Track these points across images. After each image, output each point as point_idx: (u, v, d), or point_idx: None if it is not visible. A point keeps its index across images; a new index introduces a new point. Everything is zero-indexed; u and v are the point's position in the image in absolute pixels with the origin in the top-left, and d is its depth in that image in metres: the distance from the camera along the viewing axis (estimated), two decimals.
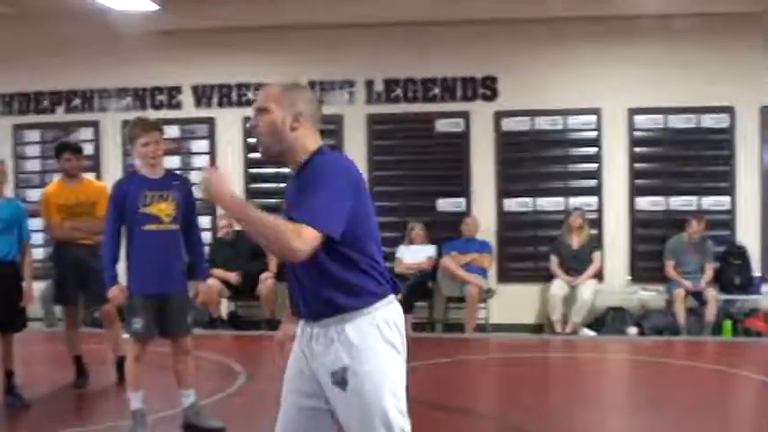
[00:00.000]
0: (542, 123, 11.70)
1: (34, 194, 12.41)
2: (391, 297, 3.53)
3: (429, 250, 11.42)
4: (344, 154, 3.74)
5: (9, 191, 11.71)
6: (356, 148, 11.90)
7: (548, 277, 11.33)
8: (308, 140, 3.60)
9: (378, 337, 3.45)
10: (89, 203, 7.90)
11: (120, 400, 7.38)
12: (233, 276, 11.14)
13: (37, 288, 10.86)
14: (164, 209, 6.08)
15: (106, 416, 7.00)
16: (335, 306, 3.45)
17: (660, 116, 11.45)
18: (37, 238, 11.97)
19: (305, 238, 3.26)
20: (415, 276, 11.19)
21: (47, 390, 7.93)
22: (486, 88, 11.81)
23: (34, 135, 12.78)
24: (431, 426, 6.30)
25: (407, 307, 11.05)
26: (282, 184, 11.60)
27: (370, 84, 12.04)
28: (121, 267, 6.27)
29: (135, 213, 6.03)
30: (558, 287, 11.04)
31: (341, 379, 3.43)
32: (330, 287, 3.45)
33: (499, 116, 11.77)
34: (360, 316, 3.45)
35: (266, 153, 3.65)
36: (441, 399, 7.07)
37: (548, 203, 11.65)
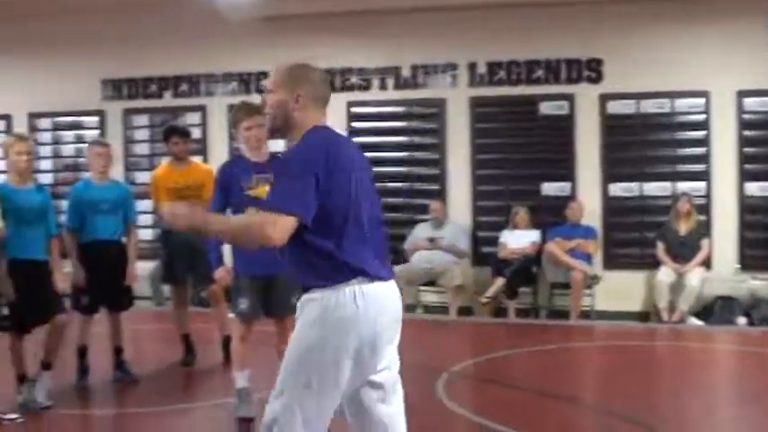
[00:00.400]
0: (649, 106, 11.45)
1: (143, 177, 12.73)
2: (347, 287, 3.53)
3: (533, 235, 11.32)
4: (338, 132, 3.78)
5: (119, 174, 12.07)
6: (459, 132, 11.87)
7: (654, 264, 11.11)
8: (308, 120, 3.70)
9: (325, 315, 3.52)
10: (197, 186, 8.03)
11: (226, 379, 7.52)
12: None
13: (146, 268, 11.18)
14: (268, 191, 6.10)
15: (212, 393, 7.13)
16: (302, 283, 3.64)
17: None
18: (145, 219, 12.32)
19: (283, 227, 3.41)
20: (518, 261, 11.11)
21: (155, 367, 8.14)
22: (591, 70, 11.63)
23: (143, 119, 13.09)
24: (535, 412, 6.27)
25: (511, 293, 11.00)
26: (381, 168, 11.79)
27: (472, 66, 11.96)
28: (228, 249, 6.35)
29: (240, 196, 6.09)
30: (665, 274, 10.83)
31: None
32: (294, 265, 3.64)
33: (605, 99, 11.56)
34: (309, 298, 3.59)
35: (271, 131, 3.86)
36: (545, 386, 7.01)
37: (654, 188, 11.41)
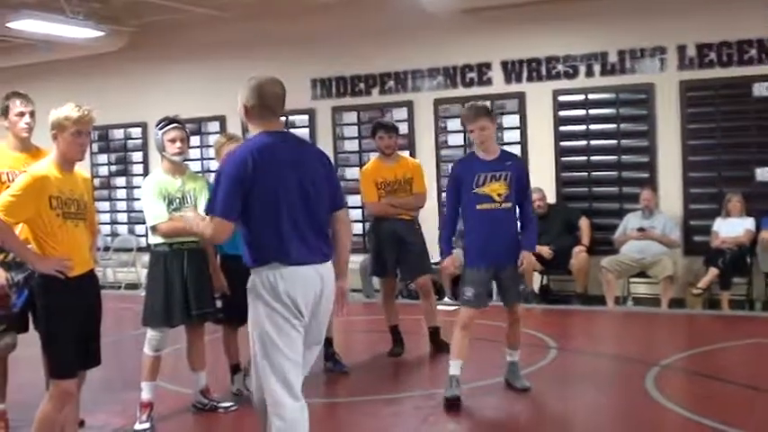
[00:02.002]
0: None
1: (352, 173, 13.10)
2: (275, 264, 4.36)
3: (747, 223, 10.92)
4: (259, 137, 4.63)
5: None
6: (668, 117, 11.59)
7: None
8: (255, 131, 4.66)
9: (254, 292, 4.41)
10: (405, 180, 8.21)
11: (433, 370, 7.72)
12: (545, 250, 11.11)
13: (356, 261, 11.49)
14: (496, 189, 6.43)
15: (419, 384, 7.28)
16: None
17: None
18: (356, 214, 12.66)
19: (214, 227, 4.41)
20: (732, 251, 10.76)
21: (365, 357, 8.37)
22: None
23: (351, 116, 13.45)
24: (749, 407, 6.11)
25: (725, 283, 10.67)
26: (590, 157, 11.69)
27: (682, 49, 11.62)
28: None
29: (470, 193, 6.44)
30: None
31: None
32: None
33: None
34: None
35: None
36: (759, 380, 6.77)
37: None
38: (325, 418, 6.40)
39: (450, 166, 9.29)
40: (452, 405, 6.31)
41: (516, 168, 6.59)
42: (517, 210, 6.62)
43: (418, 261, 8.25)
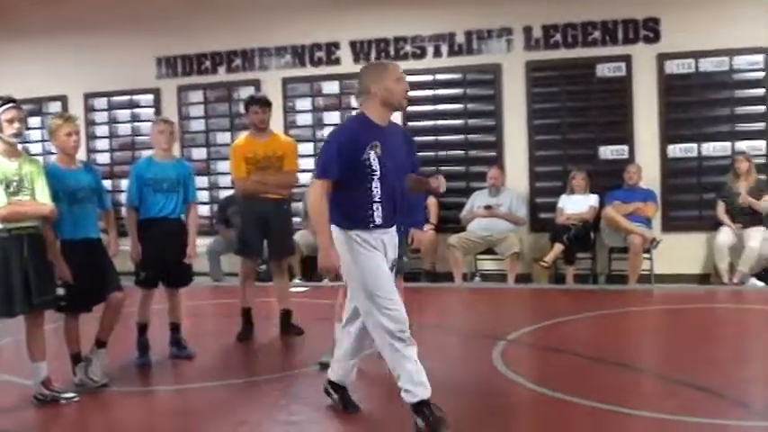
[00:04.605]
0: (707, 65, 11.25)
1: (199, 153, 12.90)
2: None
3: (591, 200, 11.23)
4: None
5: (175, 150, 12.19)
6: (515, 97, 11.78)
7: (714, 225, 10.97)
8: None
9: None
10: (276, 157, 8.04)
11: (283, 353, 7.64)
12: None
13: (204, 244, 11.29)
14: None
15: (271, 367, 7.14)
16: None
17: None
18: (203, 195, 12.48)
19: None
20: (576, 227, 11.03)
21: (213, 342, 8.23)
22: (648, 30, 11.44)
23: (197, 96, 13.19)
24: (593, 379, 6.24)
25: (570, 258, 10.95)
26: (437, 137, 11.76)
27: (528, 30, 11.84)
28: None
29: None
30: (725, 235, 10.69)
31: None
32: None
33: (662, 59, 11.38)
34: None
35: None
36: (604, 352, 6.95)
37: (713, 148, 11.25)
38: (172, 405, 6.26)
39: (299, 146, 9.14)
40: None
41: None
42: None
43: (283, 242, 8.14)
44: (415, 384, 4.89)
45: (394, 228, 5.18)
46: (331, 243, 4.98)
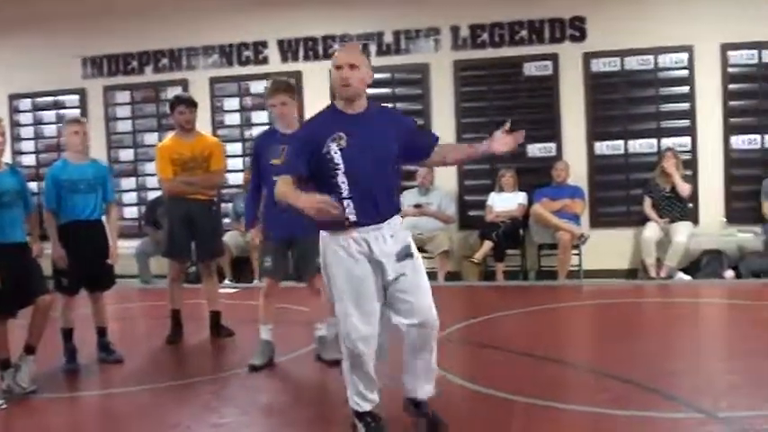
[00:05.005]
0: (632, 63, 11.44)
1: (126, 155, 12.73)
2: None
3: (520, 197, 11.32)
4: None
5: (102, 152, 12.04)
6: (443, 96, 11.84)
7: (641, 221, 11.15)
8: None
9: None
10: (203, 158, 7.96)
11: (213, 356, 7.57)
12: None
13: (132, 246, 11.17)
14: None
15: (201, 369, 7.07)
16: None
17: (754, 51, 11.07)
18: (130, 197, 12.33)
19: None
20: (506, 224, 11.11)
21: (142, 345, 8.12)
22: (574, 29, 11.59)
23: (124, 96, 13.02)
24: (525, 374, 6.28)
25: (499, 255, 11.02)
26: None
27: (455, 30, 11.91)
28: None
29: (268, 165, 6.52)
30: (652, 231, 10.86)
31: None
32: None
33: (588, 57, 11.54)
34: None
35: (352, 100, 4.73)
36: (534, 347, 7.00)
37: (640, 145, 11.42)
38: (101, 410, 6.16)
39: (227, 146, 9.10)
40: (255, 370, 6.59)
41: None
42: None
43: (212, 243, 8.07)
44: (359, 395, 4.78)
45: (390, 221, 4.72)
46: (300, 195, 4.50)
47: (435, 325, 4.74)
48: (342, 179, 4.62)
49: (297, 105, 6.91)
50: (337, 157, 4.60)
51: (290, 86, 6.86)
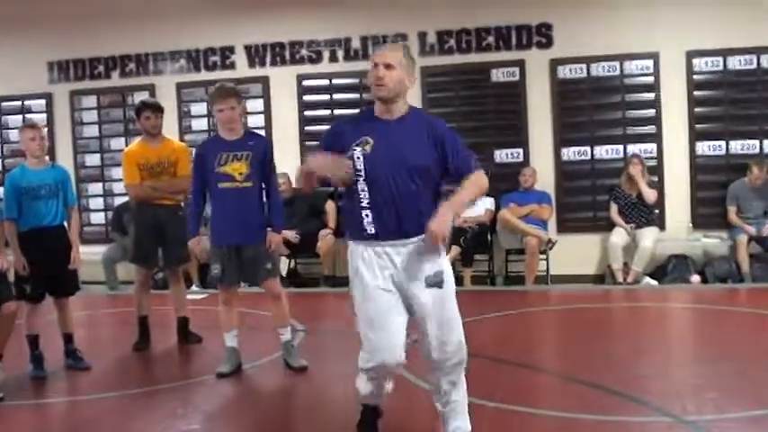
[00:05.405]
0: (599, 70, 11.50)
1: (93, 159, 12.64)
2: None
3: (487, 202, 11.33)
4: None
5: (68, 157, 11.95)
6: (411, 102, 11.76)
7: (607, 227, 11.22)
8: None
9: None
10: (169, 163, 7.94)
11: (181, 362, 7.54)
12: (291, 234, 11.05)
13: (99, 252, 11.09)
14: (237, 168, 6.59)
15: (168, 376, 7.02)
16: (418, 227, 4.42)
17: (719, 58, 11.17)
18: (97, 203, 12.24)
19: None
20: (473, 229, 11.13)
21: (109, 352, 8.03)
22: (541, 36, 11.64)
23: (91, 101, 12.93)
24: (493, 379, 6.28)
25: (467, 261, 11.04)
26: None
27: (422, 36, 11.92)
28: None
29: (212, 172, 6.58)
30: (618, 236, 10.93)
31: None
32: (421, 211, 4.46)
33: (555, 64, 11.59)
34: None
35: (386, 101, 4.46)
36: (501, 352, 7.02)
37: (606, 151, 11.49)
38: (68, 417, 6.11)
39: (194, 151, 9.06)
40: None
41: (258, 147, 6.72)
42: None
43: (179, 249, 8.01)
44: (366, 391, 4.69)
45: (413, 239, 4.37)
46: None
47: (461, 360, 4.64)
48: (362, 186, 4.34)
49: (243, 111, 6.99)
50: (359, 163, 4.32)
51: (237, 91, 6.80)
